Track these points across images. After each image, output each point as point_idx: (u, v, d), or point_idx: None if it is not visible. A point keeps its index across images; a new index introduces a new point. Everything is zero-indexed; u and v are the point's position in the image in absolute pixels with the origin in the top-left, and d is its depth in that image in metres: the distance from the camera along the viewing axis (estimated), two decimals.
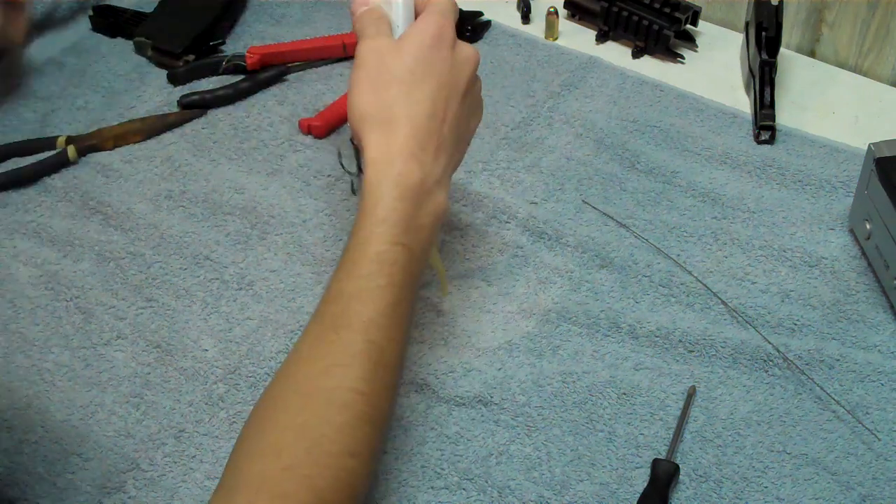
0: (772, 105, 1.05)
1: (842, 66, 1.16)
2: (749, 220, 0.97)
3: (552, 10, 1.18)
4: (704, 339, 0.86)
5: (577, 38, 1.19)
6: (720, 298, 0.89)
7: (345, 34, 1.16)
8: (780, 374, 0.84)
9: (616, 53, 1.17)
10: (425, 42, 0.74)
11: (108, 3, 1.21)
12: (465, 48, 0.76)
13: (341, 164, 0.83)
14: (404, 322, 0.70)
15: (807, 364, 0.84)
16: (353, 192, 0.90)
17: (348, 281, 0.68)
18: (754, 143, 1.05)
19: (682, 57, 1.16)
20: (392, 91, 0.72)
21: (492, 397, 0.82)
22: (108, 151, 1.04)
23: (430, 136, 0.72)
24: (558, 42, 1.19)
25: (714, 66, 1.15)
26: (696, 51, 1.17)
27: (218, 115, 1.08)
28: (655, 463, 0.77)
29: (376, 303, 0.68)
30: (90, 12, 1.20)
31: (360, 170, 0.78)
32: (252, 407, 0.81)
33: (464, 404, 0.82)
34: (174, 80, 1.12)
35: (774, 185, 1.00)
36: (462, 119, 0.76)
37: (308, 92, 1.11)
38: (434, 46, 0.74)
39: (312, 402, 0.66)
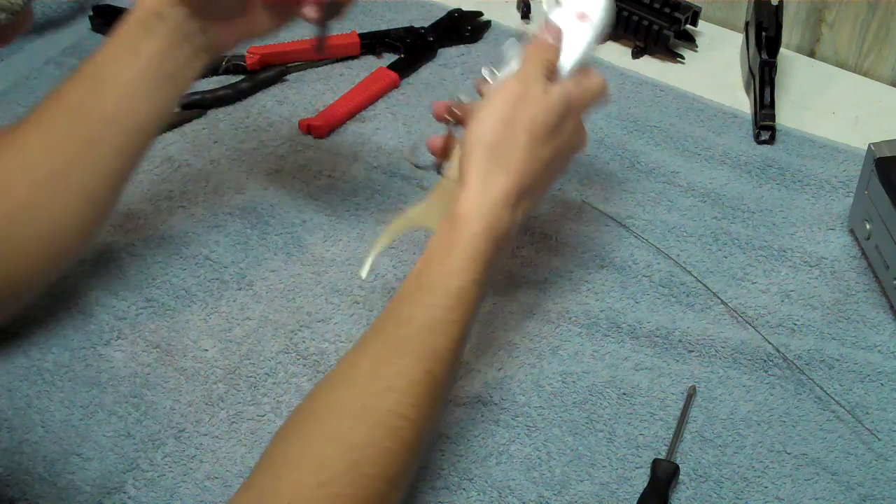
0: (772, 105, 1.05)
1: (842, 66, 1.16)
2: (749, 220, 0.97)
3: None
4: (704, 339, 0.86)
5: None
6: (720, 298, 0.89)
7: (344, 34, 1.16)
8: (780, 374, 0.84)
9: (616, 53, 1.17)
10: (570, 107, 0.77)
11: (108, 3, 1.21)
12: (584, 129, 0.80)
13: (410, 160, 0.83)
14: (461, 357, 0.72)
15: (807, 364, 0.84)
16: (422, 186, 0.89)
17: (422, 309, 0.69)
18: (754, 143, 1.05)
19: (682, 57, 1.16)
20: (518, 137, 0.73)
21: (492, 397, 0.82)
22: None
23: (531, 191, 0.75)
24: None
25: (714, 66, 1.15)
26: (696, 51, 1.17)
27: (218, 115, 1.08)
28: (655, 463, 0.77)
29: (447, 336, 0.69)
30: (90, 12, 1.20)
31: (437, 170, 0.79)
32: (252, 407, 0.81)
33: (463, 404, 0.82)
34: None
35: (774, 185, 1.00)
36: (556, 177, 0.81)
37: (308, 92, 1.11)
38: (571, 116, 0.77)
39: (362, 421, 0.66)
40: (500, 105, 0.75)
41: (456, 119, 0.79)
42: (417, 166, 0.83)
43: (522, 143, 0.74)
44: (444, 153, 0.79)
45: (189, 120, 1.07)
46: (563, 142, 0.77)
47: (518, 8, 1.22)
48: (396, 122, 1.07)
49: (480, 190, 0.72)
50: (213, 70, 1.13)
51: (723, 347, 0.85)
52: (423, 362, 0.67)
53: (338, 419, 0.67)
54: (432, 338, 0.68)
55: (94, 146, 0.78)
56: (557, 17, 0.83)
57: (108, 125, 0.78)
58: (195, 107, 1.08)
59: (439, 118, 0.82)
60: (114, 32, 0.80)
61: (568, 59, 0.81)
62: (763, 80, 1.06)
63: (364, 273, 0.78)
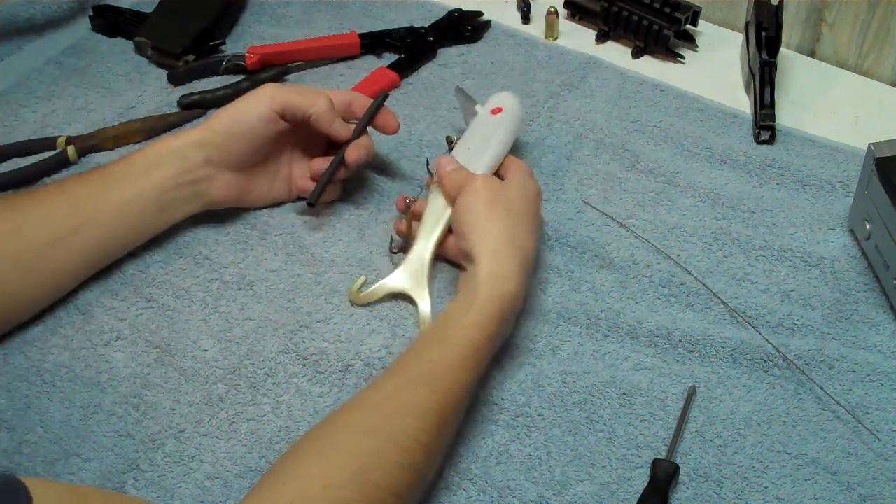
0: (772, 105, 1.05)
1: (842, 66, 1.16)
2: (749, 221, 0.97)
3: (552, 10, 1.18)
4: (704, 339, 0.86)
5: (577, 38, 1.19)
6: (720, 298, 0.89)
7: (344, 34, 1.16)
8: (780, 374, 0.84)
9: (616, 53, 1.17)
10: (532, 190, 0.88)
11: (108, 3, 1.21)
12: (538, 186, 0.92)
13: (390, 250, 0.94)
14: (468, 403, 0.78)
15: (807, 364, 0.84)
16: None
17: (440, 353, 0.77)
18: (754, 143, 1.05)
19: (682, 57, 1.16)
20: (509, 220, 0.84)
21: (491, 397, 0.82)
22: (108, 151, 1.04)
23: (530, 262, 0.85)
24: (558, 42, 1.19)
25: (714, 66, 1.15)
26: (696, 51, 1.17)
27: None
28: (655, 463, 0.77)
29: (459, 379, 0.76)
30: (90, 12, 1.20)
31: (401, 250, 0.93)
32: (251, 407, 0.81)
33: None
34: (174, 80, 1.12)
35: (774, 185, 1.00)
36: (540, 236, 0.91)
37: None
38: (536, 194, 0.89)
39: (373, 436, 0.70)
40: (479, 200, 0.85)
41: (412, 211, 0.92)
42: (393, 252, 0.93)
43: (513, 223, 0.84)
44: (408, 233, 0.92)
45: (189, 120, 1.07)
46: (538, 215, 0.88)
47: (518, 8, 1.22)
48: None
49: (497, 270, 0.81)
50: (213, 70, 1.13)
51: (723, 347, 0.85)
52: (437, 395, 0.74)
53: (349, 435, 0.70)
54: (447, 378, 0.75)
55: (78, 235, 0.86)
56: (478, 117, 0.97)
57: (98, 225, 0.87)
58: (195, 107, 1.09)
59: (400, 209, 0.93)
60: (134, 152, 0.91)
61: (490, 149, 0.93)
62: (763, 80, 1.06)
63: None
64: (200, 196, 0.92)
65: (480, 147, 0.94)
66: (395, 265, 0.91)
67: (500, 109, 0.97)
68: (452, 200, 0.89)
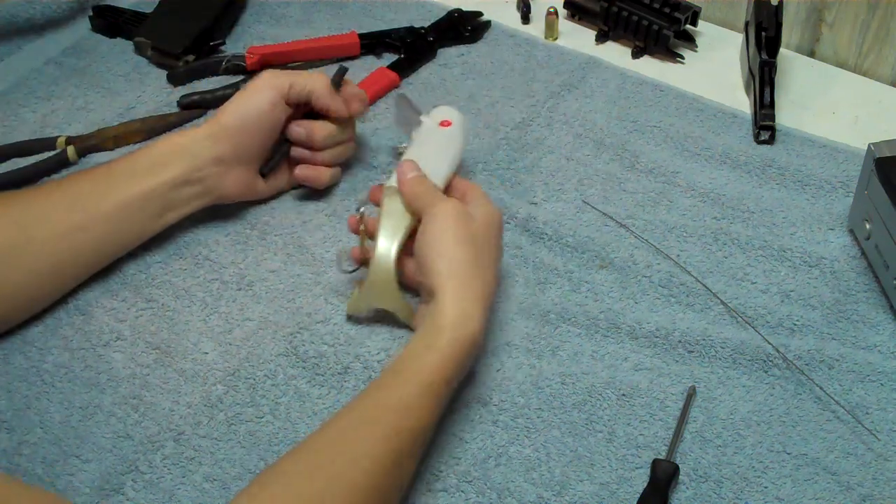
0: (772, 105, 1.05)
1: (842, 66, 1.16)
2: (749, 221, 0.96)
3: (552, 10, 1.18)
4: (704, 339, 0.86)
5: (577, 38, 1.19)
6: (720, 299, 0.89)
7: (344, 34, 1.16)
8: (780, 375, 0.84)
9: (616, 53, 1.17)
10: (495, 217, 0.85)
11: (108, 3, 1.21)
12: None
13: (340, 268, 0.89)
14: (426, 443, 0.76)
15: (807, 364, 0.84)
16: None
17: (397, 394, 0.74)
18: (754, 143, 1.05)
19: (682, 57, 1.16)
20: (473, 253, 0.81)
21: (491, 398, 0.82)
22: (108, 151, 1.04)
23: (492, 297, 0.83)
24: (558, 42, 1.19)
25: (714, 66, 1.15)
26: (695, 51, 1.17)
27: None
28: (655, 463, 0.77)
29: (416, 419, 0.74)
30: (90, 12, 1.20)
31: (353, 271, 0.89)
32: (250, 409, 0.81)
33: (462, 406, 0.82)
34: (174, 80, 1.12)
35: (774, 185, 1.00)
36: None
37: None
38: (498, 225, 0.86)
39: (328, 481, 0.69)
40: (445, 227, 0.82)
41: (366, 231, 0.88)
42: (344, 272, 0.89)
43: (476, 254, 0.81)
44: (361, 261, 0.88)
45: (189, 120, 1.07)
46: (500, 247, 0.86)
47: (518, 8, 1.22)
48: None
49: (458, 305, 0.79)
50: (213, 70, 1.13)
51: (723, 347, 0.85)
52: (394, 437, 0.72)
53: (302, 478, 0.69)
54: (403, 419, 0.73)
55: (81, 234, 0.86)
56: (425, 128, 0.94)
57: (101, 223, 0.87)
58: (195, 107, 1.09)
59: (353, 230, 0.89)
60: (138, 149, 0.90)
61: (445, 163, 0.91)
62: (763, 80, 1.06)
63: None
64: (208, 192, 0.92)
65: (434, 161, 0.90)
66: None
67: (448, 123, 0.95)
68: (413, 212, 0.86)
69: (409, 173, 0.87)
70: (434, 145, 0.93)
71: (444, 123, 0.95)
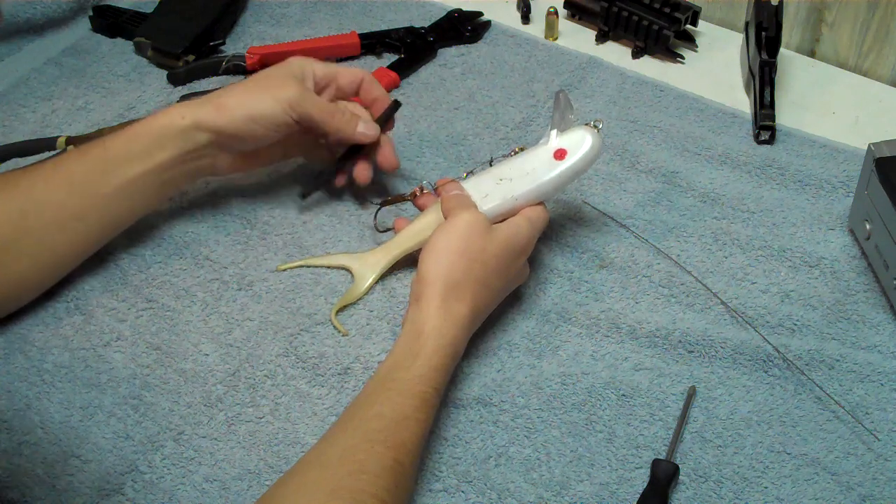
0: (772, 105, 1.05)
1: (842, 66, 1.16)
2: (749, 221, 0.96)
3: (552, 10, 1.18)
4: (704, 339, 0.86)
5: (577, 38, 1.19)
6: (720, 299, 0.89)
7: (344, 34, 1.16)
8: (780, 375, 0.84)
9: (616, 53, 1.17)
10: (519, 243, 0.84)
11: (108, 3, 1.21)
12: (527, 266, 0.88)
13: (376, 227, 0.94)
14: (421, 453, 0.76)
15: (807, 364, 0.84)
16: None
17: (390, 406, 0.74)
18: (754, 143, 1.05)
19: (682, 57, 1.16)
20: (475, 268, 0.81)
21: (491, 399, 0.82)
22: None
23: (483, 315, 0.84)
24: (558, 42, 1.19)
25: (714, 66, 1.15)
26: (696, 51, 1.17)
27: None
28: (655, 463, 0.77)
29: (411, 431, 0.74)
30: (90, 12, 1.20)
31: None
32: (250, 409, 0.81)
33: (462, 406, 0.82)
34: (174, 80, 1.12)
35: (774, 185, 1.00)
36: (501, 299, 0.87)
37: None
38: (522, 252, 0.85)
39: (337, 497, 0.68)
40: (452, 237, 0.82)
41: (418, 202, 0.93)
42: (379, 230, 0.94)
43: (477, 272, 0.81)
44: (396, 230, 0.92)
45: None
46: (511, 275, 0.85)
47: (518, 8, 1.22)
48: (396, 123, 1.07)
49: (441, 314, 0.79)
50: (213, 70, 1.13)
51: (723, 348, 0.85)
52: (392, 451, 0.71)
53: (309, 496, 0.68)
54: (400, 431, 0.73)
55: (80, 221, 0.86)
56: (540, 147, 0.88)
57: (99, 208, 0.87)
58: None
59: (413, 197, 0.93)
60: (134, 128, 0.88)
61: (518, 190, 0.86)
62: (763, 80, 1.06)
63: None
64: (202, 171, 0.92)
65: (508, 187, 0.86)
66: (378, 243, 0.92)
67: (564, 153, 0.86)
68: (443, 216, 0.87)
69: (451, 191, 0.88)
70: (526, 171, 0.87)
71: (559, 154, 0.87)
